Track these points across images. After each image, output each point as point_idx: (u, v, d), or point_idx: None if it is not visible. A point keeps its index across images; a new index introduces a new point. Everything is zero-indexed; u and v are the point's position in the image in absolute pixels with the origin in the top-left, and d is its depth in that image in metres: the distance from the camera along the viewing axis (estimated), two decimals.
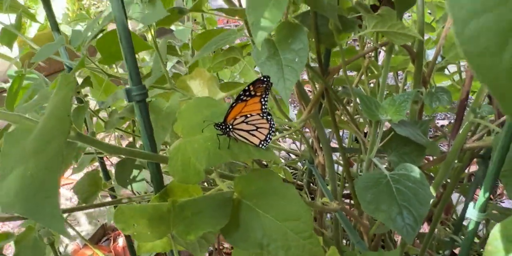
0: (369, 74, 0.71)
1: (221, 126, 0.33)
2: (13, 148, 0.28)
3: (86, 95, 0.57)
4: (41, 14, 1.19)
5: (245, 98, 0.33)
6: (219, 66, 0.72)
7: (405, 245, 0.70)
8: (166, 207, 0.34)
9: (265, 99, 0.33)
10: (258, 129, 0.33)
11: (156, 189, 0.40)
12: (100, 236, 1.23)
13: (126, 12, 0.38)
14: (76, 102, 0.57)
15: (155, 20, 0.47)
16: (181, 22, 1.12)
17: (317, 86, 0.63)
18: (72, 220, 1.24)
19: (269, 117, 0.33)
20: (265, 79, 0.33)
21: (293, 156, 1.08)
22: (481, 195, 0.46)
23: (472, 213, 0.47)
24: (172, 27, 1.12)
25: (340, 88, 0.72)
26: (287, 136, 1.30)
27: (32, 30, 1.32)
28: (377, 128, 0.57)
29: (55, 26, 0.61)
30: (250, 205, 0.35)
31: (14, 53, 0.85)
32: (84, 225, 1.24)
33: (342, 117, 0.72)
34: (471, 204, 0.48)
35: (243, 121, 0.33)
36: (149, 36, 1.09)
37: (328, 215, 0.97)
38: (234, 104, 0.33)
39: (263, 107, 0.33)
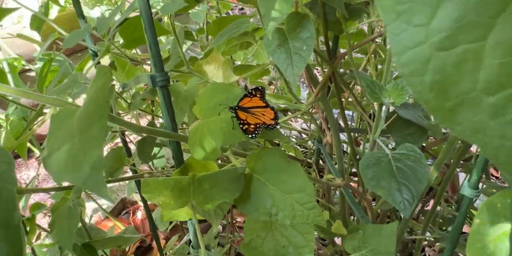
0: (378, 58, 0.74)
1: (234, 109, 0.37)
2: (59, 128, 0.33)
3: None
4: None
5: (250, 95, 0.38)
6: (233, 49, 0.76)
7: (407, 220, 0.74)
8: (186, 181, 0.39)
9: (264, 99, 0.39)
10: (265, 115, 0.38)
11: (177, 164, 0.45)
12: (120, 210, 1.31)
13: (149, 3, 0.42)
14: None
15: (175, 10, 0.51)
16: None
17: (325, 70, 0.66)
18: (93, 194, 1.31)
19: (272, 109, 0.39)
20: (260, 88, 0.38)
21: (304, 136, 1.12)
22: (473, 174, 0.49)
23: (466, 190, 0.51)
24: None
25: (348, 72, 0.75)
26: (298, 116, 1.34)
27: (53, 11, 1.36)
28: (381, 110, 0.60)
29: (80, 13, 0.65)
30: (260, 179, 0.40)
31: (36, 35, 0.90)
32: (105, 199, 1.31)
33: (349, 99, 0.76)
34: (466, 182, 0.52)
35: (252, 107, 0.38)
36: (165, 18, 1.12)
37: (337, 192, 1.02)
38: (243, 97, 0.38)
39: (265, 103, 0.39)
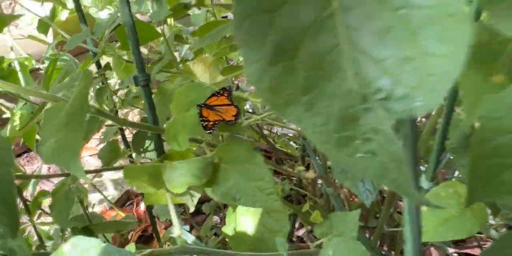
0: None
1: (201, 106, 0.43)
2: (50, 121, 0.39)
3: (106, 77, 0.68)
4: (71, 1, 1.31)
5: (217, 94, 0.44)
6: (224, 51, 0.82)
7: (387, 213, 0.79)
8: (162, 167, 0.45)
9: (230, 97, 0.44)
10: (228, 112, 0.44)
11: (158, 155, 0.51)
12: (124, 201, 1.38)
13: (133, 12, 0.48)
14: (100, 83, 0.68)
15: (161, 17, 0.57)
16: (197, 8, 1.21)
17: None
18: (100, 186, 1.39)
19: (235, 107, 0.44)
20: (227, 88, 0.44)
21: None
22: (429, 166, 0.54)
23: (424, 183, 0.56)
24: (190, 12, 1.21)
25: None
26: None
27: (64, 13, 1.44)
28: None
29: (82, 17, 0.72)
30: (227, 167, 0.46)
31: (49, 37, 0.97)
32: (110, 190, 1.39)
33: None
34: (423, 175, 0.57)
35: (217, 105, 0.43)
36: (168, 20, 1.18)
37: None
38: (211, 96, 0.44)
39: (230, 101, 0.45)
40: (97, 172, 0.65)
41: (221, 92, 0.45)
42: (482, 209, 0.45)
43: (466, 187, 0.36)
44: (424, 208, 0.49)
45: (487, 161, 0.29)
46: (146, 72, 0.47)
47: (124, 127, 0.83)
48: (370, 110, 0.16)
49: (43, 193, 0.80)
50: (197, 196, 0.51)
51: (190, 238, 0.57)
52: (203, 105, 0.43)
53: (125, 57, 0.78)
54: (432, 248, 1.05)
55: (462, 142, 0.55)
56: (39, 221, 0.69)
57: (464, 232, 0.44)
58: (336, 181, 0.77)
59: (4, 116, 0.85)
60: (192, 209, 0.52)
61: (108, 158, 0.66)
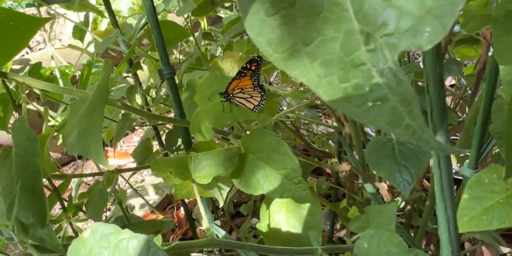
0: None
1: (224, 95, 0.42)
2: (75, 114, 0.40)
3: (137, 76, 0.69)
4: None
5: (238, 77, 0.42)
6: (254, 48, 0.81)
7: (430, 208, 0.75)
8: (188, 159, 0.44)
9: (256, 76, 0.42)
10: (252, 97, 0.42)
11: (186, 148, 0.51)
12: (166, 205, 1.40)
13: (160, 7, 0.48)
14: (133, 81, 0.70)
15: (187, 13, 0.57)
16: (229, 9, 1.22)
17: None
18: (141, 191, 1.41)
19: (260, 89, 0.43)
20: (258, 59, 0.42)
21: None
22: (470, 154, 0.51)
23: (466, 171, 0.53)
24: (222, 15, 1.22)
25: None
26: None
27: (103, 24, 1.49)
28: None
29: (114, 22, 0.74)
30: (253, 157, 0.45)
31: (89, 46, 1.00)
32: (151, 194, 1.41)
33: None
34: (465, 163, 0.53)
35: (240, 92, 0.42)
36: (203, 24, 1.20)
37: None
38: (232, 80, 0.42)
39: (254, 83, 0.43)
40: (132, 170, 0.66)
41: (248, 67, 0.43)
42: None
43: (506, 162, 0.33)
44: (464, 196, 0.45)
45: None
46: (170, 65, 0.47)
47: (160, 130, 0.84)
48: (374, 51, 0.14)
49: (84, 195, 0.82)
50: (226, 189, 0.50)
51: (222, 232, 0.56)
52: (224, 93, 0.42)
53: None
54: (483, 247, 0.99)
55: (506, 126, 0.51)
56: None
57: (510, 220, 0.40)
58: (374, 174, 0.74)
59: (50, 123, 0.88)
60: (221, 203, 0.51)
61: (142, 157, 0.67)
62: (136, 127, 1.91)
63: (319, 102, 1.05)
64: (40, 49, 1.61)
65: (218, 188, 0.49)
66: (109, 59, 0.94)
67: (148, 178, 1.48)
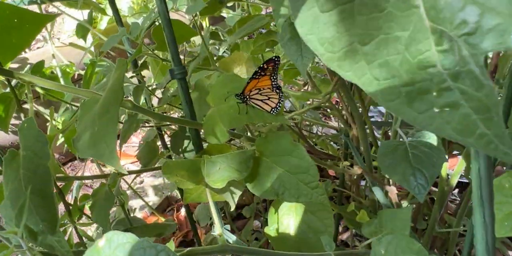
0: None
1: (240, 96, 0.41)
2: (86, 114, 0.38)
3: (143, 76, 0.68)
4: (108, 8, 1.34)
5: (257, 76, 0.41)
6: (260, 48, 0.80)
7: (438, 212, 0.74)
8: (201, 162, 0.43)
9: (274, 76, 0.41)
10: (270, 99, 0.41)
11: (196, 150, 0.49)
12: (165, 206, 1.38)
13: (168, 6, 0.47)
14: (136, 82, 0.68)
15: (196, 11, 0.55)
16: (232, 9, 1.20)
17: None
18: (141, 192, 1.39)
19: (278, 90, 0.41)
20: (276, 59, 0.41)
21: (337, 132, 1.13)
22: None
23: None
24: (225, 15, 1.21)
25: None
26: (330, 113, 1.36)
27: (103, 23, 1.47)
28: None
29: (119, 20, 0.72)
30: (268, 161, 0.44)
31: (88, 44, 0.99)
32: (151, 196, 1.40)
33: None
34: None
35: (257, 93, 0.41)
36: (204, 23, 1.19)
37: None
38: (249, 80, 0.41)
39: (273, 83, 0.41)
40: (139, 172, 0.64)
41: (265, 67, 0.42)
42: None
43: None
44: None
45: None
46: (182, 65, 0.46)
47: (162, 131, 0.82)
48: (447, 52, 0.13)
49: (86, 197, 0.80)
50: (238, 193, 0.49)
51: (232, 237, 0.54)
52: (240, 95, 0.41)
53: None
54: None
55: None
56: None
57: None
58: (385, 178, 0.73)
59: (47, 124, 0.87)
60: (233, 207, 0.50)
61: (147, 158, 0.65)
62: None
63: (323, 104, 1.04)
64: (38, 47, 1.58)
65: (230, 192, 0.47)
66: (110, 58, 0.92)
67: (147, 179, 1.47)
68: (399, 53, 0.14)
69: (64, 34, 1.59)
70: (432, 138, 0.56)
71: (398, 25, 0.14)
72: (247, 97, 0.41)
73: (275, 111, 0.41)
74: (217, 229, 0.45)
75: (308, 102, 1.12)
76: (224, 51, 1.01)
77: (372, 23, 0.14)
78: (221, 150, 0.48)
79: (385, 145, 0.57)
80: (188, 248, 0.41)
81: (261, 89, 0.41)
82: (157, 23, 0.68)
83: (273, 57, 0.41)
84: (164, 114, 1.08)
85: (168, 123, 0.76)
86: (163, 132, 0.82)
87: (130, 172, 0.63)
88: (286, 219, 0.60)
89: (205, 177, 0.42)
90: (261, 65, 0.41)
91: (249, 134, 0.61)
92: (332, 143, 1.12)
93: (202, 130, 0.51)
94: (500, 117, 0.12)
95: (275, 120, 0.41)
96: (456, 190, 1.25)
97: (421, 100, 0.14)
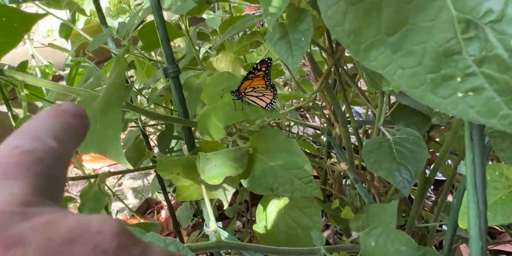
0: None
1: (235, 93, 0.42)
2: None
3: (131, 76, 0.68)
4: (86, 9, 1.32)
5: (250, 77, 0.42)
6: (244, 49, 0.81)
7: (418, 208, 0.77)
8: (197, 159, 0.43)
9: (268, 77, 0.42)
10: (264, 95, 0.42)
11: (189, 148, 0.50)
12: (145, 209, 1.37)
13: (160, 4, 0.47)
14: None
15: (186, 11, 0.56)
16: (212, 11, 1.21)
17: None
18: (120, 195, 1.37)
19: (272, 88, 0.42)
20: (268, 60, 0.42)
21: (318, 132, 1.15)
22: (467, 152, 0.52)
23: (463, 169, 0.54)
24: (204, 16, 1.21)
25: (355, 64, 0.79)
26: (315, 116, 1.38)
27: (79, 24, 1.45)
28: (383, 99, 0.64)
29: (103, 20, 0.72)
30: (262, 158, 0.44)
31: (66, 46, 0.97)
32: (130, 198, 1.38)
33: (355, 92, 0.79)
34: (462, 162, 0.54)
35: (252, 90, 0.42)
36: (183, 26, 1.19)
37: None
38: (243, 81, 0.42)
39: (267, 82, 0.42)
40: (122, 173, 0.64)
41: (258, 67, 0.43)
42: None
43: None
44: (466, 194, 0.47)
45: None
46: (176, 63, 0.46)
47: (146, 130, 0.82)
48: (473, 39, 0.14)
49: (69, 199, 0.79)
50: (231, 190, 0.50)
51: (224, 234, 0.55)
52: (236, 92, 0.42)
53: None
54: (462, 246, 1.02)
55: None
56: None
57: None
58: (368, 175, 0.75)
59: None
60: (226, 205, 0.51)
61: (134, 158, 0.65)
62: None
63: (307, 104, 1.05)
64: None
65: (223, 189, 0.48)
66: (89, 59, 0.91)
67: (126, 182, 1.45)
68: (424, 42, 0.15)
69: (38, 35, 1.55)
70: (414, 135, 0.58)
71: (424, 15, 0.15)
72: (242, 94, 0.42)
73: (270, 106, 0.42)
74: (212, 225, 0.45)
75: (288, 103, 1.14)
76: (206, 51, 1.02)
77: (399, 14, 0.15)
78: (214, 147, 0.49)
79: (370, 142, 0.59)
80: (186, 244, 0.41)
81: (256, 87, 0.42)
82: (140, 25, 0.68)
83: (266, 59, 0.42)
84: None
85: (153, 123, 0.76)
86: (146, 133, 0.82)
87: (116, 173, 0.63)
88: (274, 216, 0.61)
89: (200, 173, 0.43)
90: (255, 66, 0.42)
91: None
92: (311, 143, 1.14)
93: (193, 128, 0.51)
94: None
95: (270, 116, 0.42)
96: (431, 188, 1.29)
97: (446, 86, 0.15)
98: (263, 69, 0.42)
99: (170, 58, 0.46)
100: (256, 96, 0.42)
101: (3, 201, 0.14)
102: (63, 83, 1.09)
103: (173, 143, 0.69)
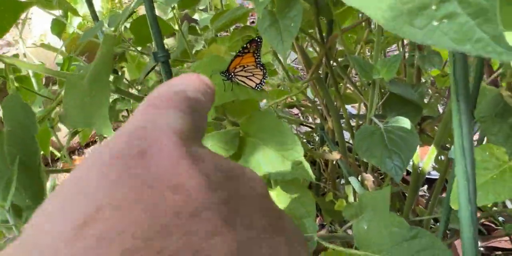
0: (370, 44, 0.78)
1: (225, 73, 0.42)
2: (72, 89, 0.38)
3: (122, 67, 0.68)
4: (80, 11, 1.32)
5: (241, 54, 0.42)
6: (236, 44, 0.82)
7: (411, 201, 0.77)
8: None
9: (258, 54, 0.43)
10: (254, 75, 0.42)
11: None
12: None
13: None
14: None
15: (176, 2, 0.56)
16: (205, 11, 1.22)
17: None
18: None
19: (261, 67, 0.43)
20: (258, 39, 0.42)
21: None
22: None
23: (452, 154, 0.54)
24: (197, 17, 1.22)
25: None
26: (309, 116, 1.39)
27: (71, 29, 1.45)
28: (374, 88, 0.64)
29: (95, 16, 0.72)
30: (253, 140, 0.44)
31: (58, 45, 0.97)
32: None
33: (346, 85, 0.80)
34: (452, 147, 0.55)
35: (242, 70, 0.42)
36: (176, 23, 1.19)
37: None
38: (234, 58, 0.42)
39: (257, 60, 0.43)
40: None
41: (248, 47, 0.43)
42: None
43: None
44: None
45: None
46: (165, 49, 0.46)
47: None
48: None
49: None
50: None
51: None
52: (225, 72, 0.42)
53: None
54: (456, 242, 1.02)
55: (490, 110, 0.53)
56: None
57: (506, 193, 0.42)
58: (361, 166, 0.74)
59: None
60: None
61: None
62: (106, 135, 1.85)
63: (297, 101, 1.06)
64: (3, 53, 1.54)
65: None
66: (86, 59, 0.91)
67: None
68: None
69: (31, 39, 1.56)
70: (406, 123, 0.59)
71: None
72: (232, 74, 0.42)
73: (259, 87, 0.43)
74: None
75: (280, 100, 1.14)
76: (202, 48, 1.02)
77: None
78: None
79: (362, 131, 0.59)
80: None
81: (245, 66, 0.42)
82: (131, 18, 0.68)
83: (256, 37, 0.42)
84: None
85: None
86: None
87: None
88: None
89: None
90: (245, 45, 0.42)
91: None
92: (305, 141, 1.14)
93: None
94: (497, 18, 0.14)
95: (260, 96, 0.42)
96: (425, 187, 1.29)
97: (421, 15, 0.15)
98: (254, 46, 0.43)
99: (160, 43, 0.46)
100: (246, 76, 0.42)
101: (181, 124, 0.17)
102: (55, 87, 1.08)
103: None
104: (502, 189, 0.42)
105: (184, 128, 0.17)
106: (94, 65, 0.37)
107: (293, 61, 1.46)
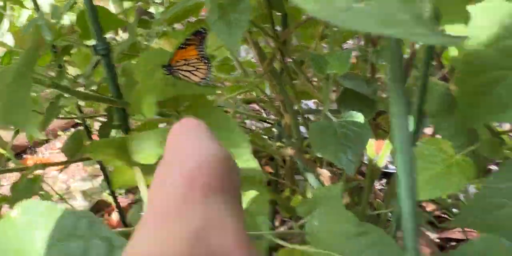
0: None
1: (166, 67, 0.40)
2: None
3: (65, 61, 0.64)
4: (28, 5, 1.25)
5: (184, 46, 0.40)
6: None
7: (368, 195, 0.77)
8: (129, 138, 0.41)
9: (201, 46, 0.41)
10: (198, 70, 0.40)
11: (124, 132, 0.47)
12: (95, 212, 1.31)
13: None
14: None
15: None
16: (161, 5, 1.18)
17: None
18: (68, 198, 1.31)
19: (206, 61, 0.41)
20: (203, 31, 0.40)
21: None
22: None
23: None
24: (153, 10, 1.18)
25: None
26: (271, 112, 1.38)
27: (22, 20, 1.38)
28: (327, 83, 0.64)
29: (36, 5, 0.68)
30: None
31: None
32: (79, 201, 1.32)
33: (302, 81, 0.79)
34: None
35: (184, 64, 0.40)
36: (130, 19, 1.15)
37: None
38: (175, 51, 0.40)
39: (200, 52, 0.41)
40: (64, 164, 0.60)
41: (192, 39, 0.41)
42: (468, 164, 0.44)
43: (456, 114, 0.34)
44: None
45: (474, 79, 0.27)
46: (106, 41, 0.44)
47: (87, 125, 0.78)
48: None
49: (4, 199, 0.73)
50: None
51: None
52: (168, 66, 0.40)
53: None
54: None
55: (440, 105, 0.54)
56: None
57: (452, 187, 0.42)
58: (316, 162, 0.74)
59: None
60: None
61: (72, 149, 0.62)
62: (59, 133, 1.78)
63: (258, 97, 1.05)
64: None
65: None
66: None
67: (76, 184, 1.38)
68: None
69: None
70: (359, 118, 0.58)
71: None
72: (174, 68, 0.40)
73: (204, 82, 0.41)
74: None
75: (240, 97, 1.12)
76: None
77: None
78: (149, 128, 0.47)
79: (316, 126, 0.59)
80: None
81: (188, 60, 0.40)
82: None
83: (200, 29, 0.40)
84: (91, 113, 1.03)
85: (96, 115, 0.73)
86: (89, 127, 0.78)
87: (51, 164, 0.59)
88: None
89: (134, 154, 0.41)
90: (188, 37, 0.40)
91: None
92: (265, 137, 1.13)
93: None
94: None
95: (205, 92, 0.41)
96: (384, 181, 1.31)
97: None
98: (196, 43, 0.41)
99: (98, 34, 0.43)
100: (189, 71, 0.40)
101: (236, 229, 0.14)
102: None
103: (115, 133, 0.66)
104: (448, 184, 0.43)
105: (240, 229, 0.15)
106: (20, 58, 0.34)
107: (254, 56, 1.45)
